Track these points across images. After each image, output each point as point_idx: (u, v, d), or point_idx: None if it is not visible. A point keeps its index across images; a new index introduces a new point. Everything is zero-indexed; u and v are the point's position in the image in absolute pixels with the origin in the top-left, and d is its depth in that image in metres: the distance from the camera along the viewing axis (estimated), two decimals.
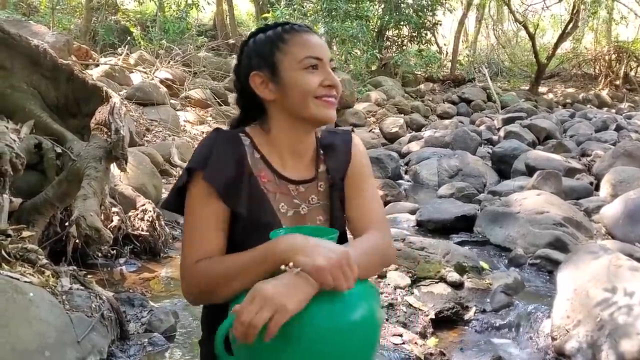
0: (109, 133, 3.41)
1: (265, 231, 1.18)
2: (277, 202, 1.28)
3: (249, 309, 1.01)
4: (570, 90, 21.08)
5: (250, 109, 1.36)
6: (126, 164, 3.45)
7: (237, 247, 1.20)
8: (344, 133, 1.43)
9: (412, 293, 3.70)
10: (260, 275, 1.09)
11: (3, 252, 2.85)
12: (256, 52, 1.29)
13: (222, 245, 1.23)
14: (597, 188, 6.68)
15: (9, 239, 2.99)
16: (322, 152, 1.37)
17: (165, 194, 5.45)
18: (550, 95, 20.30)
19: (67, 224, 3.68)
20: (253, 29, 1.38)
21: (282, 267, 1.07)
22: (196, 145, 1.30)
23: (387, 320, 3.37)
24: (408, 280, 3.77)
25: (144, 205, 4.54)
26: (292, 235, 1.10)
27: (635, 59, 22.23)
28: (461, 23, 21.67)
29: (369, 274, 1.23)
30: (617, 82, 21.36)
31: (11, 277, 2.70)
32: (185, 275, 1.21)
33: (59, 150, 3.59)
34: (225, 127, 1.38)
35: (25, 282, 2.73)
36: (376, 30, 17.93)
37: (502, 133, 10.46)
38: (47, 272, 2.95)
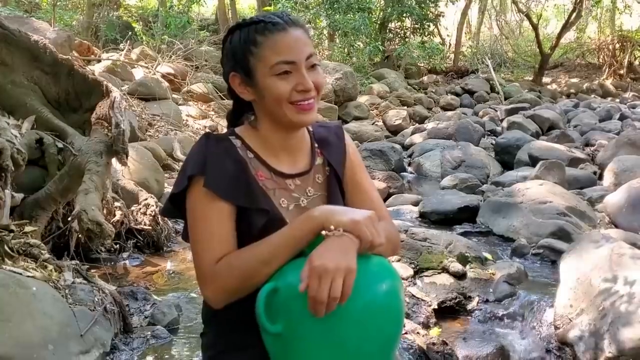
0: (110, 127, 3.42)
1: (271, 227, 1.21)
2: (277, 197, 1.29)
3: (321, 286, 1.05)
4: (574, 80, 20.96)
5: (241, 103, 1.36)
6: (127, 158, 3.47)
7: (245, 244, 1.23)
8: (335, 127, 1.45)
9: (415, 284, 3.70)
10: (296, 250, 1.16)
11: (6, 247, 2.86)
12: (232, 54, 1.27)
13: (235, 241, 1.23)
14: (600, 177, 6.65)
15: (12, 234, 3.01)
16: (316, 145, 1.39)
17: (167, 189, 5.47)
18: (554, 86, 20.21)
19: (69, 218, 3.69)
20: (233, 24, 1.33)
21: (323, 232, 1.13)
22: (189, 152, 1.30)
23: None
24: (411, 271, 3.77)
25: (146, 199, 4.56)
26: (321, 207, 1.20)
27: (639, 48, 22.07)
28: (464, 14, 21.55)
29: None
30: (621, 72, 21.20)
31: (14, 271, 2.72)
32: (208, 278, 1.20)
33: (60, 145, 3.60)
34: (215, 131, 1.39)
35: (28, 276, 2.74)
36: (378, 22, 17.85)
37: (505, 124, 10.43)
38: (50, 267, 2.97)
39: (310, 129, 1.41)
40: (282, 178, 1.31)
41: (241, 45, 1.25)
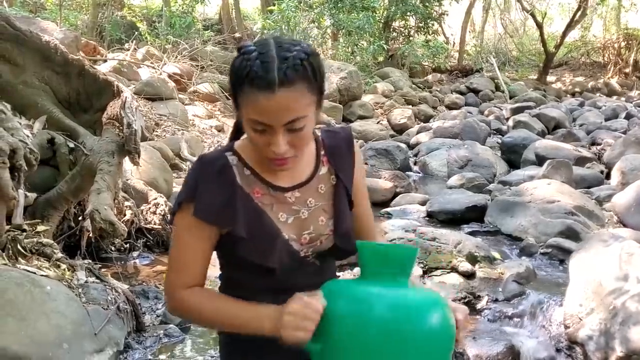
0: (121, 127, 3.44)
1: (267, 244, 1.25)
2: (275, 213, 1.28)
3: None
4: (579, 79, 20.91)
5: None
6: (139, 157, 3.48)
7: (241, 262, 1.27)
8: (345, 134, 1.40)
9: (424, 283, 3.71)
10: (253, 332, 1.21)
11: (19, 247, 2.89)
12: (230, 79, 1.22)
13: (204, 274, 1.31)
14: (607, 176, 6.65)
15: (25, 233, 3.03)
16: (322, 152, 1.35)
17: (176, 188, 5.49)
18: (559, 85, 20.16)
19: (80, 218, 3.71)
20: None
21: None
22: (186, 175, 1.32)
23: None
24: (420, 271, 3.79)
25: (155, 199, 4.58)
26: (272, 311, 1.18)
27: None
28: (468, 13, 21.50)
29: None
30: (627, 70, 21.13)
31: (28, 270, 2.74)
32: (173, 299, 1.31)
33: (71, 145, 3.62)
34: (210, 150, 1.40)
35: (42, 275, 2.77)
36: (382, 21, 17.81)
37: (511, 123, 10.42)
38: (63, 266, 2.99)
39: (318, 133, 1.37)
40: (280, 192, 1.29)
41: (235, 79, 1.18)
